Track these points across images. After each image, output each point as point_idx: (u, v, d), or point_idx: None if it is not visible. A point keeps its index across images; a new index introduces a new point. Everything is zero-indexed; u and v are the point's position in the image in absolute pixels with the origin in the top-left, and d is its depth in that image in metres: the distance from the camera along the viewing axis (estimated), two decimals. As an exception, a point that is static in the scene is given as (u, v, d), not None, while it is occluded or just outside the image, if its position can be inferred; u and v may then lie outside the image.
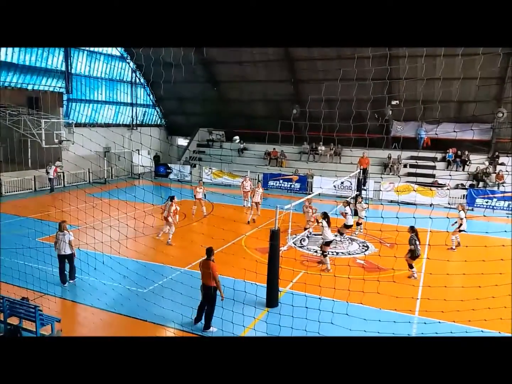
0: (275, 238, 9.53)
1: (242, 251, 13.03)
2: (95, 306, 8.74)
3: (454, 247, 13.94)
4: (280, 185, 25.32)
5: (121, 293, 9.31)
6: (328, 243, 11.88)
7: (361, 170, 21.06)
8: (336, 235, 13.69)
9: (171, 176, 28.00)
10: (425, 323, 7.56)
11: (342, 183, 22.96)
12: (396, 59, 21.55)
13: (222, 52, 25.27)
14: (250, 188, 19.43)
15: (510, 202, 19.92)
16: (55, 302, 8.70)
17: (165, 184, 18.90)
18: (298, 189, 24.71)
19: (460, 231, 13.91)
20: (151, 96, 32.35)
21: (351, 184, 22.39)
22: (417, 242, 11.18)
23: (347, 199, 15.42)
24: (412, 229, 11.31)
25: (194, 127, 31.17)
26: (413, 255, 11.20)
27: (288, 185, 25.14)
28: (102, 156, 23.27)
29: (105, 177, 25.70)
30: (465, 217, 14.03)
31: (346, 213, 13.92)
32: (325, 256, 11.82)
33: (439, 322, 7.15)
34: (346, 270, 10.22)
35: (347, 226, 14.18)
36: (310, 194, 18.87)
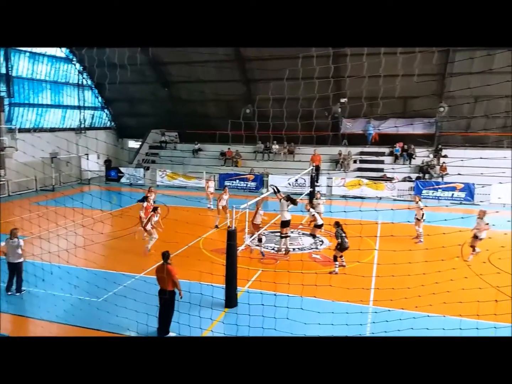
0: (232, 238, 9.58)
1: (199, 254, 12.93)
2: (45, 319, 8.38)
3: (422, 240, 14.16)
4: (236, 184, 25.35)
5: (72, 303, 8.98)
6: (284, 224, 12.34)
7: (314, 167, 21.55)
8: (292, 232, 13.86)
9: (123, 180, 27.28)
10: (376, 312, 7.89)
11: (296, 180, 23.35)
12: (343, 57, 22.16)
13: (171, 52, 24.91)
14: (214, 189, 19.13)
15: (453, 192, 21.12)
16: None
17: (115, 189, 18.38)
18: (254, 188, 24.87)
19: (422, 220, 14.23)
20: (99, 98, 31.35)
21: (305, 181, 22.83)
22: (344, 235, 11.46)
23: (308, 202, 15.45)
24: (336, 224, 11.61)
25: (146, 128, 30.54)
26: (341, 247, 11.50)
27: (244, 185, 25.24)
28: (49, 162, 22.28)
29: (53, 184, 24.62)
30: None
31: (313, 215, 13.99)
32: (283, 237, 12.53)
33: (389, 310, 7.48)
34: (306, 265, 10.48)
35: (318, 226, 14.02)
36: (264, 193, 19.04)
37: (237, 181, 25.44)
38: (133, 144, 32.92)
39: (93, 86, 30.34)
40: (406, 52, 19.04)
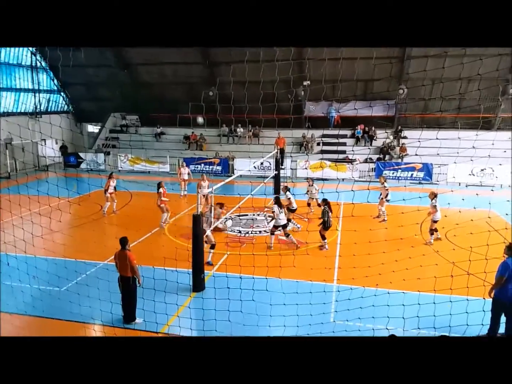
0: (197, 222, 9.54)
1: (164, 240, 12.81)
2: (4, 311, 8.08)
3: (385, 218, 14.50)
4: (201, 169, 25.12)
5: (32, 294, 8.71)
6: (278, 226, 12.06)
7: (279, 150, 21.64)
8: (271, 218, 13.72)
9: (83, 165, 26.42)
10: (338, 290, 8.12)
11: (261, 163, 23.41)
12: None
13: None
14: (189, 175, 18.39)
15: (412, 172, 21.87)
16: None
17: (74, 175, 17.75)
18: (219, 172, 24.75)
19: (386, 201, 14.58)
20: (55, 81, 29.93)
21: (270, 164, 22.93)
22: (329, 214, 11.75)
23: (285, 185, 15.30)
24: (324, 201, 11.86)
25: (106, 112, 29.54)
26: (325, 226, 11.79)
27: (210, 169, 25.06)
28: (3, 149, 21.19)
29: (8, 172, 23.49)
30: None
31: (289, 198, 13.97)
32: (272, 234, 12.21)
33: (351, 289, 7.72)
34: (273, 247, 10.59)
35: (291, 210, 13.99)
36: (231, 176, 18.97)
37: (202, 165, 25.22)
38: (92, 128, 31.82)
39: (47, 68, 28.89)
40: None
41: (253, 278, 7.36)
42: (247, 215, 15.65)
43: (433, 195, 12.31)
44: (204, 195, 15.11)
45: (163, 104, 27.68)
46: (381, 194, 14.79)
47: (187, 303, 8.67)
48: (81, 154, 26.93)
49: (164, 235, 13.30)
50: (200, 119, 25.77)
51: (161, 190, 14.07)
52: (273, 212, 12.06)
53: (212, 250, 10.89)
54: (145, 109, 28.48)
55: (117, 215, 15.42)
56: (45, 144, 22.81)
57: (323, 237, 11.94)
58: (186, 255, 8.92)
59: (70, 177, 18.57)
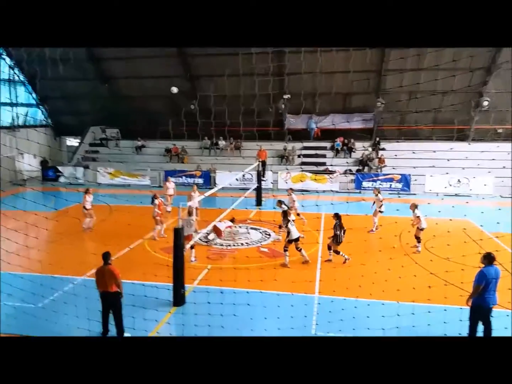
0: (179, 236, 9.44)
1: (145, 254, 12.64)
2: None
3: (374, 229, 14.22)
4: (183, 181, 25.02)
5: (6, 312, 8.44)
6: (290, 241, 11.52)
7: (260, 163, 21.75)
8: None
9: (62, 179, 25.97)
10: (319, 303, 8.14)
11: (243, 176, 23.46)
12: (283, 55, 22.51)
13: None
14: (174, 191, 18.04)
15: (391, 183, 22.25)
16: None
17: (51, 189, 17.41)
18: (201, 184, 24.67)
19: (380, 212, 14.48)
20: (33, 94, 29.49)
21: (252, 176, 23.00)
22: (342, 228, 11.44)
23: (279, 199, 15.14)
24: (336, 215, 11.61)
25: (85, 126, 29.22)
26: (337, 240, 11.51)
27: (192, 181, 24.96)
28: (-22, 162, 20.65)
29: (-16, 186, 22.88)
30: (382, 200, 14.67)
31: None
32: (285, 251, 11.61)
33: (332, 301, 7.75)
34: (253, 260, 10.57)
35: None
36: (213, 188, 18.91)
37: (184, 177, 25.13)
38: (71, 142, 31.39)
39: (26, 82, 28.48)
40: (343, 50, 19.74)
41: (234, 292, 7.32)
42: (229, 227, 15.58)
43: (414, 206, 12.52)
44: (196, 208, 15.14)
45: (143, 117, 27.55)
46: (374, 203, 14.83)
47: (166, 318, 8.54)
48: (60, 168, 26.49)
49: (144, 250, 13.12)
50: (174, 89, 25.15)
51: (156, 201, 14.07)
52: (286, 226, 11.61)
53: (193, 250, 11.53)
54: (125, 122, 28.29)
55: (95, 230, 15.14)
56: (22, 158, 22.35)
57: (329, 248, 11.66)
58: (166, 270, 8.83)
59: (48, 191, 18.18)
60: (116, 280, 7.67)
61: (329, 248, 11.74)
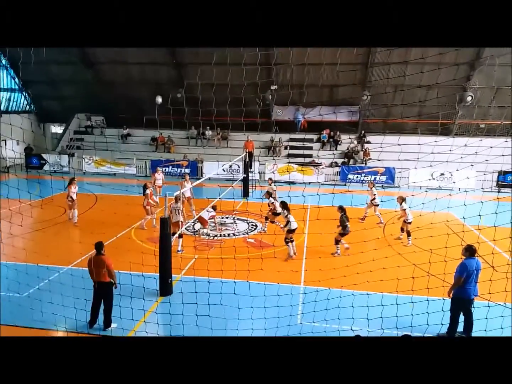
0: (165, 226, 9.46)
1: (131, 243, 12.61)
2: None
3: (382, 221, 14.35)
4: (169, 171, 24.89)
5: (-10, 302, 8.37)
6: (291, 231, 11.63)
7: (247, 153, 21.77)
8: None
9: (46, 167, 25.57)
10: (305, 293, 8.27)
11: (230, 166, 23.46)
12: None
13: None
14: (163, 182, 17.76)
15: (376, 176, 22.55)
16: None
17: (35, 177, 17.12)
18: (188, 174, 24.55)
19: (376, 205, 14.69)
20: (16, 79, 28.80)
21: (239, 167, 23.01)
22: (347, 221, 11.58)
23: (268, 190, 15.07)
24: (341, 208, 11.72)
25: (70, 112, 28.71)
26: (343, 233, 11.61)
27: (178, 171, 24.86)
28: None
29: (-36, 173, 22.38)
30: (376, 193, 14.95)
31: (272, 202, 13.92)
32: (287, 242, 11.66)
33: (317, 291, 7.88)
34: (239, 250, 10.65)
35: (276, 214, 13.88)
36: (200, 178, 18.90)
37: (170, 167, 24.99)
38: (56, 129, 30.84)
39: (8, 66, 27.77)
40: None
41: (221, 281, 7.39)
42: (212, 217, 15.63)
43: (401, 199, 12.73)
44: (187, 198, 15.29)
45: (129, 105, 27.21)
46: (371, 199, 14.93)
47: (153, 308, 8.58)
48: (44, 156, 26.06)
49: (130, 239, 13.09)
50: (159, 99, 25.20)
51: (147, 191, 14.03)
52: (285, 217, 11.70)
53: (180, 239, 11.88)
54: (111, 109, 27.89)
55: (81, 219, 14.98)
56: (5, 145, 21.90)
57: (336, 242, 11.72)
58: (153, 260, 8.84)
59: (32, 179, 17.87)
60: (109, 271, 7.68)
61: (337, 242, 11.72)
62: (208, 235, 13.76)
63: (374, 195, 14.85)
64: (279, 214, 13.80)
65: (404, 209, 12.58)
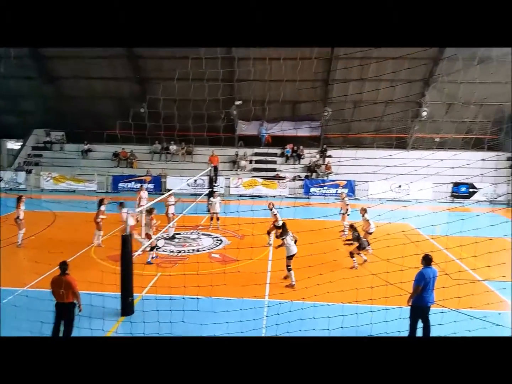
0: (126, 243, 9.28)
1: (90, 262, 12.26)
2: None
3: (346, 232, 14.80)
4: (132, 186, 24.50)
5: None
6: (290, 257, 10.46)
7: (212, 168, 21.83)
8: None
9: (1, 184, 24.54)
10: (268, 306, 8.33)
11: (195, 181, 23.38)
12: (233, 61, 22.78)
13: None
14: (147, 201, 16.78)
15: (337, 189, 23.12)
16: None
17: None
18: (151, 189, 24.29)
19: (347, 215, 15.23)
20: (-32, 93, 27.65)
21: (204, 182, 22.99)
22: (360, 236, 11.91)
23: (270, 201, 14.89)
24: (353, 228, 12.10)
25: (28, 128, 27.81)
26: (360, 247, 11.90)
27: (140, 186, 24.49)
28: None
29: None
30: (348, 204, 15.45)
31: (275, 214, 13.87)
32: (289, 270, 10.47)
33: (280, 303, 7.97)
34: (203, 266, 10.60)
35: (278, 227, 13.47)
36: (164, 194, 18.67)
37: (133, 183, 24.61)
38: (12, 145, 29.75)
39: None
40: (290, 58, 20.36)
41: (183, 298, 7.34)
42: (179, 233, 15.50)
43: (364, 210, 13.16)
44: (172, 214, 14.98)
45: (91, 120, 26.70)
46: (342, 209, 15.47)
47: (114, 328, 8.37)
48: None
49: (89, 257, 12.74)
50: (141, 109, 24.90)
51: (102, 207, 13.73)
52: (283, 239, 10.66)
53: (151, 252, 11.87)
54: (72, 125, 27.26)
55: (39, 238, 14.44)
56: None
57: (352, 256, 11.89)
58: (114, 278, 8.66)
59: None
60: (74, 292, 7.45)
61: (352, 255, 11.93)
62: (172, 251, 13.60)
63: (347, 205, 15.34)
64: (280, 227, 13.38)
65: (367, 220, 12.97)
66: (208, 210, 17.00)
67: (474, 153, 20.09)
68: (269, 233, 14.09)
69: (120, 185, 24.55)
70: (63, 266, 7.60)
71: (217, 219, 16.13)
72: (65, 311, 7.49)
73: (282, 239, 10.68)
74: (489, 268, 9.86)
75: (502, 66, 22.30)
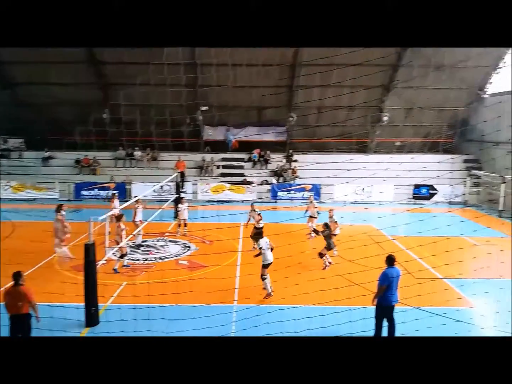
0: (90, 253, 9.04)
1: (52, 273, 11.86)
2: None
3: (313, 234, 14.73)
4: (95, 194, 23.89)
5: None
6: (266, 266, 9.88)
7: (179, 174, 21.62)
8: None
9: (-45, 195, 23.34)
10: (235, 311, 8.34)
11: (161, 187, 23.07)
12: (200, 66, 22.77)
13: (15, 50, 22.22)
14: (119, 211, 16.69)
15: (303, 193, 23.47)
16: None
17: None
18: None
19: (314, 217, 15.39)
20: None
21: (171, 188, 22.72)
22: (330, 234, 12.00)
23: (252, 203, 14.87)
24: (326, 225, 12.10)
25: (-17, 135, 26.60)
26: (328, 247, 11.96)
27: (105, 194, 23.92)
28: None
29: None
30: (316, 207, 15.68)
31: (259, 214, 13.73)
32: (264, 279, 9.88)
33: (247, 308, 8.01)
34: (170, 273, 10.47)
35: (258, 229, 13.46)
36: (128, 201, 18.29)
37: (96, 190, 23.99)
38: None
39: None
40: (254, 65, 20.60)
41: (148, 307, 7.23)
42: (146, 241, 15.24)
43: (332, 212, 13.54)
44: (139, 221, 14.57)
45: (52, 126, 25.85)
46: (306, 211, 15.74)
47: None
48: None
49: (50, 268, 12.32)
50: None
51: (63, 212, 13.33)
52: (260, 248, 10.04)
53: (121, 259, 11.77)
54: (31, 132, 26.30)
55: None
56: None
57: (322, 256, 11.98)
58: (77, 289, 8.43)
59: None
60: (30, 302, 7.17)
61: (321, 256, 12.04)
62: (138, 259, 13.36)
63: (316, 207, 15.66)
64: (261, 228, 13.45)
65: (336, 221, 13.28)
66: (176, 216, 16.83)
67: (433, 156, 20.97)
68: (252, 237, 13.74)
69: (83, 192, 23.88)
70: (16, 276, 7.33)
71: (185, 225, 16.01)
72: (20, 323, 7.21)
73: (259, 248, 10.06)
74: (448, 266, 10.31)
75: (457, 72, 23.45)
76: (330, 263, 12.23)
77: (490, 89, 24.87)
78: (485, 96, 24.86)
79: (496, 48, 22.47)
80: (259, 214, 13.77)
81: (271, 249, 9.90)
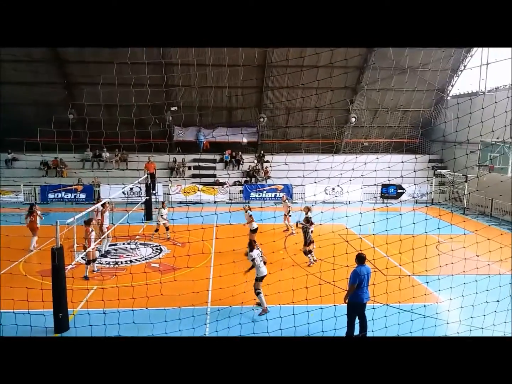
0: (58, 257, 8.81)
1: (16, 279, 11.46)
2: None
3: (293, 232, 15.41)
4: (62, 197, 23.26)
5: None
6: (260, 279, 9.41)
7: (149, 175, 21.34)
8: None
9: None
10: (207, 313, 8.31)
11: (131, 189, 22.71)
12: (170, 66, 22.55)
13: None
14: (92, 213, 15.88)
15: (275, 193, 23.67)
16: None
17: None
18: (83, 199, 23.23)
19: (289, 216, 15.96)
20: None
21: (140, 189, 22.40)
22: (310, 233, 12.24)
23: (245, 207, 14.57)
24: (306, 220, 12.45)
25: None
26: (305, 242, 12.16)
27: (72, 196, 23.34)
28: None
29: None
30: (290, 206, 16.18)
31: (251, 215, 13.79)
32: (258, 293, 9.37)
33: (218, 310, 8.00)
34: (139, 277, 10.30)
35: (253, 231, 13.44)
36: (97, 203, 17.88)
37: (63, 193, 23.36)
38: None
39: None
40: (230, 65, 20.55)
41: (118, 311, 7.11)
42: (116, 244, 14.97)
43: (307, 209, 13.76)
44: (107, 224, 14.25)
45: (15, 127, 24.93)
46: (284, 211, 16.24)
47: (45, 347, 7.90)
48: None
49: (14, 274, 11.91)
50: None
51: (38, 212, 13.73)
52: (252, 260, 9.54)
53: (88, 266, 11.77)
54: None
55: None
56: None
57: (306, 253, 12.16)
58: (46, 294, 8.18)
59: None
60: None
61: (306, 253, 12.29)
62: (108, 263, 13.11)
63: (289, 207, 16.03)
64: (256, 230, 13.43)
65: (311, 217, 13.52)
66: (148, 219, 16.58)
67: (399, 156, 21.55)
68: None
69: (50, 195, 23.21)
70: None
71: (167, 228, 15.70)
72: None
73: (251, 261, 9.53)
74: (414, 263, 10.62)
75: (422, 74, 24.20)
76: (315, 260, 12.45)
77: (452, 91, 25.91)
78: (447, 97, 25.82)
79: (457, 51, 23.37)
80: (250, 216, 13.88)
81: (264, 262, 9.50)
